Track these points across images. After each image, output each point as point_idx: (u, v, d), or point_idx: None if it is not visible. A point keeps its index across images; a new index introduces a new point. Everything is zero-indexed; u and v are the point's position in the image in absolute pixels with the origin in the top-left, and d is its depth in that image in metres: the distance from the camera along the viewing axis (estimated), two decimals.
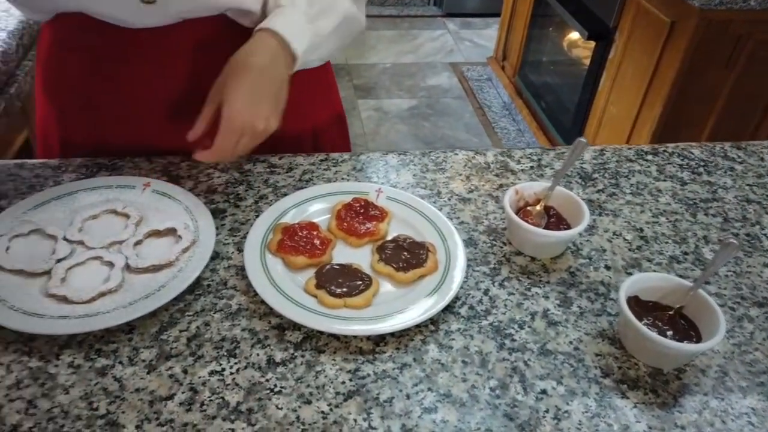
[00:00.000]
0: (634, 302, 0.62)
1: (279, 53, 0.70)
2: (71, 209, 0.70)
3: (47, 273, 0.63)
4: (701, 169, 0.88)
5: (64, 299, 0.60)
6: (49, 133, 0.86)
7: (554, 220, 0.72)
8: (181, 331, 0.60)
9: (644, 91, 1.84)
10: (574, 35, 2.32)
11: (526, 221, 0.69)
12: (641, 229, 0.76)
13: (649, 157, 0.90)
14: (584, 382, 0.58)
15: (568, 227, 0.71)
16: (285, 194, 0.76)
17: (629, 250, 0.73)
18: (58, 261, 0.64)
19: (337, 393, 0.56)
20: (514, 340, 0.61)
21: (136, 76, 0.76)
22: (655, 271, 0.70)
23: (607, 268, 0.70)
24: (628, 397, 0.57)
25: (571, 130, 2.30)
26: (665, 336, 0.58)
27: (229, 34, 0.74)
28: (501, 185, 0.82)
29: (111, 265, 0.64)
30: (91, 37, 0.75)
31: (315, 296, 0.63)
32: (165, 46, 0.74)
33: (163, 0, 0.70)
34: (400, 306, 0.63)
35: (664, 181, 0.85)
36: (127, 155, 0.81)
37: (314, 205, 0.74)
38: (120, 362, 0.56)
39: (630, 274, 0.70)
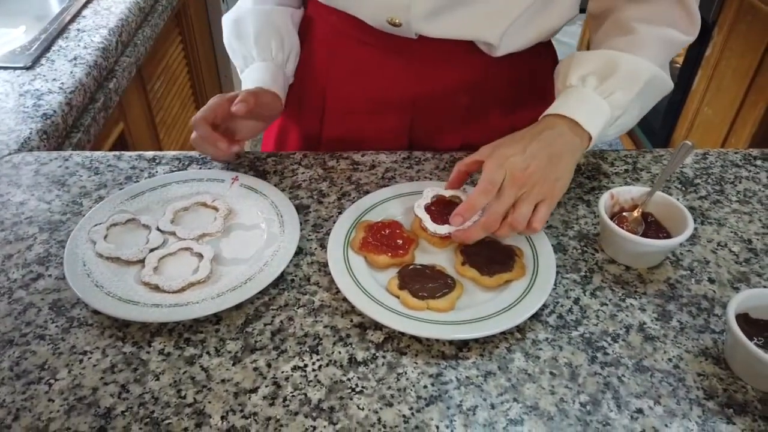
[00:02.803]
0: (743, 320, 0.57)
1: (567, 132, 0.66)
2: (164, 200, 0.73)
3: (141, 261, 0.65)
4: None
5: (156, 288, 0.62)
6: (289, 128, 0.93)
7: (653, 227, 0.68)
8: (265, 325, 0.60)
9: (744, 91, 1.72)
10: None
11: (622, 228, 0.65)
12: (750, 241, 0.70)
13: (759, 162, 0.83)
14: (685, 404, 0.54)
15: (668, 235, 0.67)
16: (367, 192, 0.76)
17: (736, 262, 0.67)
18: (152, 250, 0.66)
19: (419, 397, 0.54)
20: (606, 354, 0.58)
21: (381, 77, 0.82)
22: (765, 287, 0.64)
23: (711, 281, 0.65)
24: (735, 423, 0.52)
25: (660, 132, 2.18)
26: None
27: (468, 56, 0.78)
28: (593, 188, 0.78)
29: (200, 256, 0.66)
30: (342, 28, 0.81)
31: (397, 296, 0.62)
32: (404, 52, 0.78)
33: (408, 24, 0.73)
34: (484, 311, 0.60)
35: None
36: (355, 149, 0.84)
37: (397, 204, 0.73)
38: (207, 352, 0.58)
39: (737, 289, 0.64)
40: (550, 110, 0.69)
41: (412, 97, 0.82)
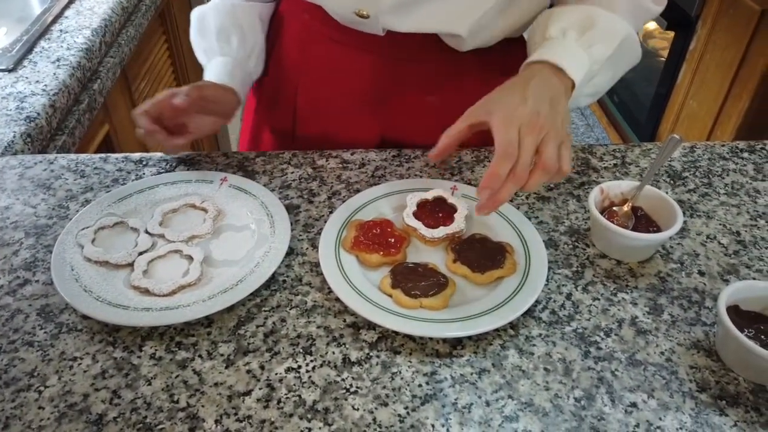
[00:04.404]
0: (734, 312, 0.57)
1: (552, 77, 0.64)
2: (152, 202, 0.72)
3: (130, 265, 0.64)
4: None
5: (146, 291, 0.61)
6: (262, 126, 0.92)
7: (643, 221, 0.68)
8: (257, 327, 0.60)
9: (729, 84, 1.73)
10: (651, 25, 2.21)
11: (612, 222, 0.66)
12: (738, 233, 0.71)
13: (745, 154, 0.83)
14: (678, 397, 0.54)
15: (658, 229, 0.67)
16: (358, 190, 0.75)
17: (725, 255, 0.68)
18: (141, 253, 0.65)
19: (414, 396, 0.54)
20: (599, 349, 0.58)
21: (351, 74, 0.81)
22: (754, 278, 0.65)
23: (701, 274, 0.66)
24: (728, 414, 0.53)
25: (646, 126, 2.20)
26: None
27: (437, 53, 0.78)
28: (582, 183, 0.78)
29: (190, 258, 0.65)
30: (313, 24, 0.81)
31: (390, 295, 0.62)
32: (374, 50, 0.78)
33: (375, 17, 0.73)
34: (477, 308, 0.60)
35: (763, 180, 0.78)
36: (325, 147, 0.83)
37: (388, 202, 0.73)
38: (199, 356, 0.57)
39: (726, 281, 0.65)
40: (533, 58, 0.67)
41: (384, 94, 0.82)
